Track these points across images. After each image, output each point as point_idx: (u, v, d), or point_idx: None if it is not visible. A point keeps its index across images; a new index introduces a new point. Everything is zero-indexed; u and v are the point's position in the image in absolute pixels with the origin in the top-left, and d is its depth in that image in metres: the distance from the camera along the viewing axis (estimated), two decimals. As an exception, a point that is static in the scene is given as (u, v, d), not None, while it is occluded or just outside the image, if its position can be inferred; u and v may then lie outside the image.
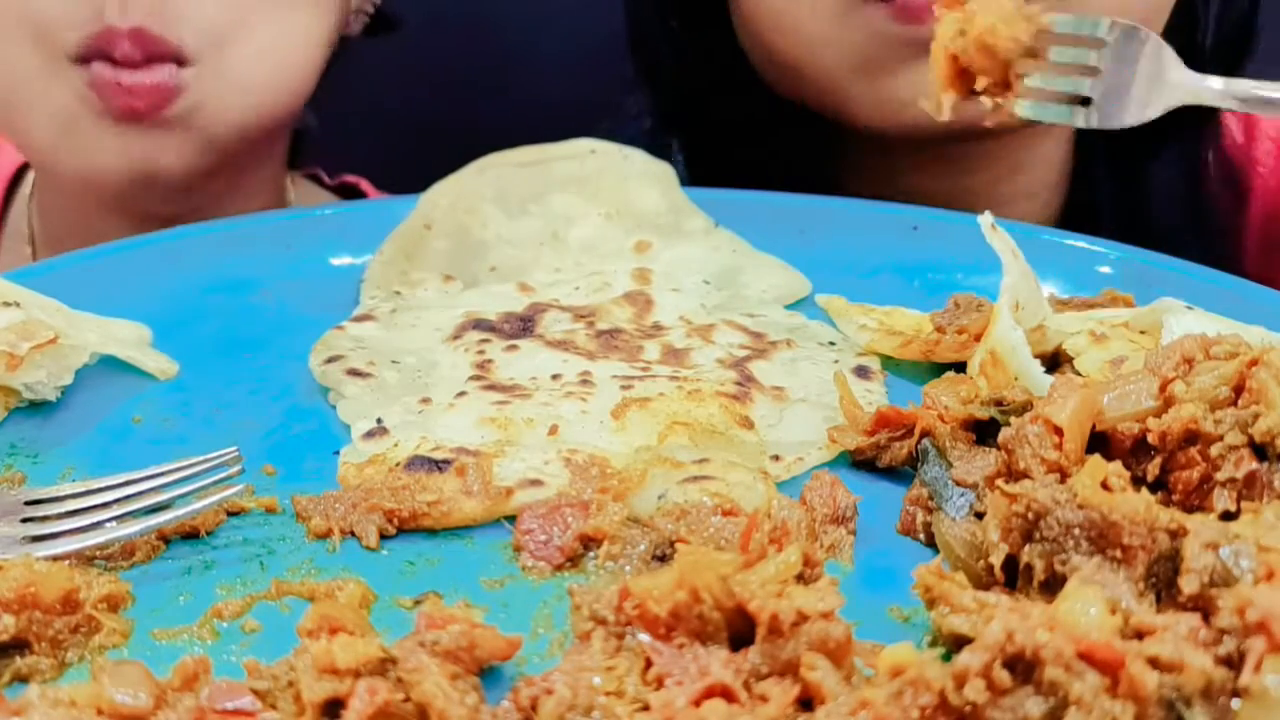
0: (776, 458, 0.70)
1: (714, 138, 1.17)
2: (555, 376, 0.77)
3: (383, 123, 1.47)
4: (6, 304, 0.74)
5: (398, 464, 0.68)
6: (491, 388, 0.76)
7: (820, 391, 0.76)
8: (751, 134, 1.15)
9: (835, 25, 0.98)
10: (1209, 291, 0.83)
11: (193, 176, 1.05)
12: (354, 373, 0.77)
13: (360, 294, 0.89)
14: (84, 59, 0.97)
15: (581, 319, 0.84)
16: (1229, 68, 1.12)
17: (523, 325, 0.83)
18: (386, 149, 1.37)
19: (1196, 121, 1.14)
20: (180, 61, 0.98)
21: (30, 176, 1.23)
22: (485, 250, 0.92)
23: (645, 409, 0.72)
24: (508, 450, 0.69)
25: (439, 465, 0.67)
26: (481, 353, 0.80)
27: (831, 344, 0.82)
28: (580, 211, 0.95)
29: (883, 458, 0.70)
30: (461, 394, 0.75)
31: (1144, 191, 1.08)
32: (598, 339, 0.81)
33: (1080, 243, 0.90)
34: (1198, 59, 1.08)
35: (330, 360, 0.78)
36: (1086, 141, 1.16)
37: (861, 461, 0.70)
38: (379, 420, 0.73)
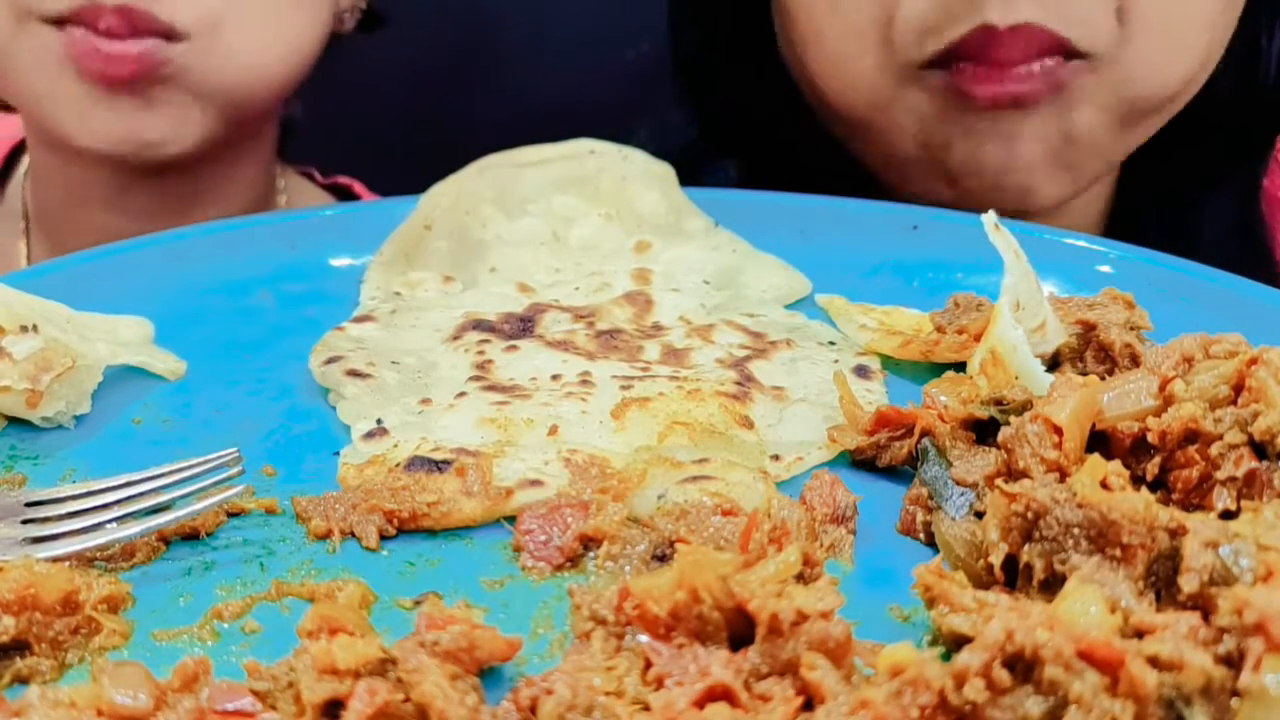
0: (776, 457, 0.70)
1: (769, 158, 1.16)
2: (555, 377, 0.77)
3: (382, 123, 1.47)
4: (25, 328, 0.74)
5: (398, 465, 0.68)
6: (491, 388, 0.76)
7: (820, 391, 0.76)
8: (806, 152, 1.14)
9: (890, 91, 0.98)
10: (1209, 291, 0.83)
11: (183, 153, 1.05)
12: (354, 373, 0.77)
13: (360, 295, 0.89)
14: (59, 22, 0.98)
15: (581, 319, 0.84)
16: None
17: (522, 325, 0.83)
18: (385, 149, 1.37)
19: (1248, 161, 1.13)
20: (170, 36, 0.99)
21: (25, 159, 1.24)
22: (485, 251, 0.92)
23: (645, 409, 0.72)
24: (508, 450, 0.69)
25: (439, 466, 0.67)
26: (481, 353, 0.80)
27: (831, 344, 0.82)
28: (580, 212, 0.95)
29: (882, 457, 0.70)
30: (461, 394, 0.75)
31: (1193, 233, 1.06)
32: (598, 339, 0.81)
33: (1080, 242, 0.90)
34: (1258, 95, 1.08)
35: (330, 361, 0.78)
36: (1131, 185, 1.14)
37: (861, 461, 0.70)
38: (379, 421, 0.73)
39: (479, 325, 0.83)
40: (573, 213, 0.95)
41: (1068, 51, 0.93)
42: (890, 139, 1.02)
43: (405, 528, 0.65)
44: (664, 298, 0.87)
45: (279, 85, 1.09)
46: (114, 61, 0.97)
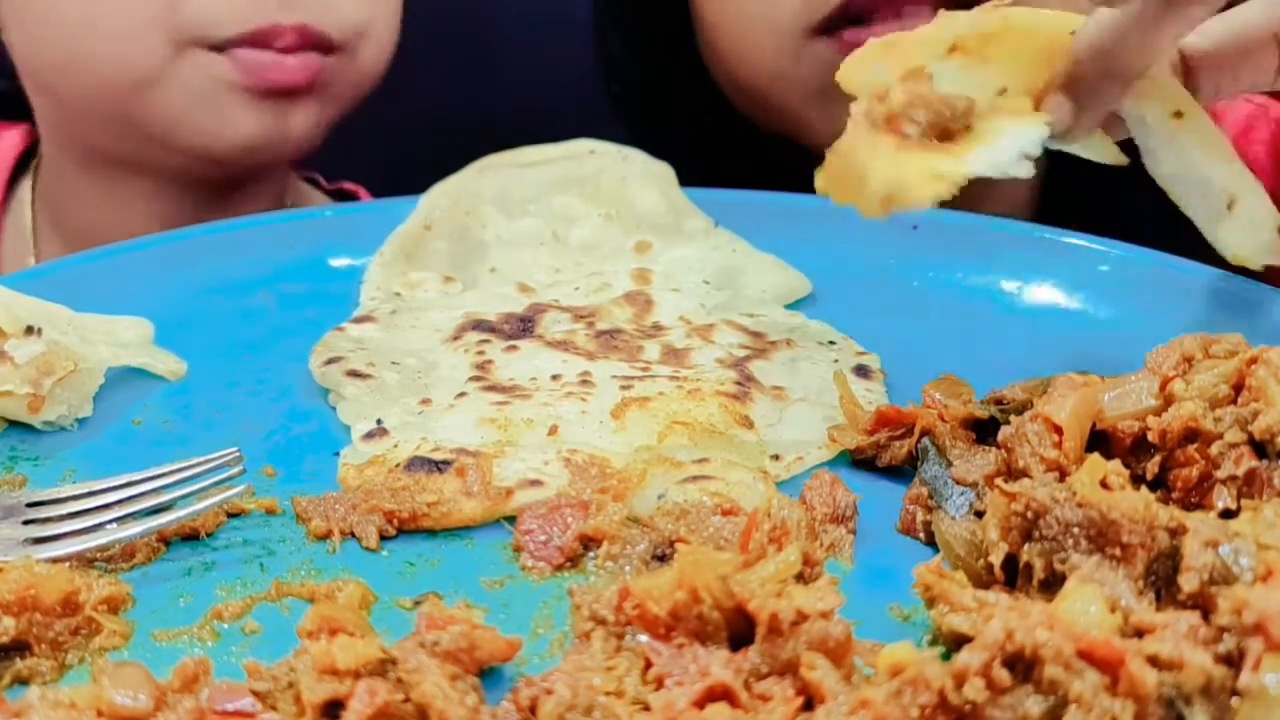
0: (776, 457, 0.70)
1: (700, 161, 1.18)
2: (555, 377, 0.77)
3: (382, 123, 1.47)
4: (29, 330, 0.74)
5: (397, 465, 0.68)
6: (491, 388, 0.76)
7: (820, 391, 0.76)
8: (733, 152, 1.16)
9: (789, 59, 1.02)
10: (1209, 290, 0.82)
11: (302, 151, 1.11)
12: (354, 374, 0.77)
13: (360, 295, 0.89)
14: (221, 47, 1.01)
15: (581, 319, 0.84)
16: None
17: (522, 326, 0.83)
18: (386, 150, 1.37)
19: None
20: (329, 50, 1.04)
21: (33, 165, 1.24)
22: (485, 251, 0.92)
23: (645, 409, 0.72)
24: (507, 451, 0.69)
25: (439, 466, 0.67)
26: (481, 353, 0.80)
27: (831, 343, 0.82)
28: (580, 212, 0.95)
29: (882, 457, 0.70)
30: (461, 394, 0.75)
31: (1124, 215, 1.07)
32: (597, 339, 0.81)
33: (1080, 241, 0.90)
34: None
35: (330, 361, 0.78)
36: (1060, 166, 1.14)
37: (861, 461, 0.70)
38: (379, 421, 0.73)
39: (479, 325, 0.83)
40: (573, 213, 0.95)
41: None
42: (792, 110, 1.06)
43: (405, 528, 0.65)
44: (664, 298, 0.87)
45: (373, 87, 1.14)
46: (289, 72, 1.02)
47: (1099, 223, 0.91)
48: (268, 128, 1.05)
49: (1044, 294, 0.86)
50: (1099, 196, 1.09)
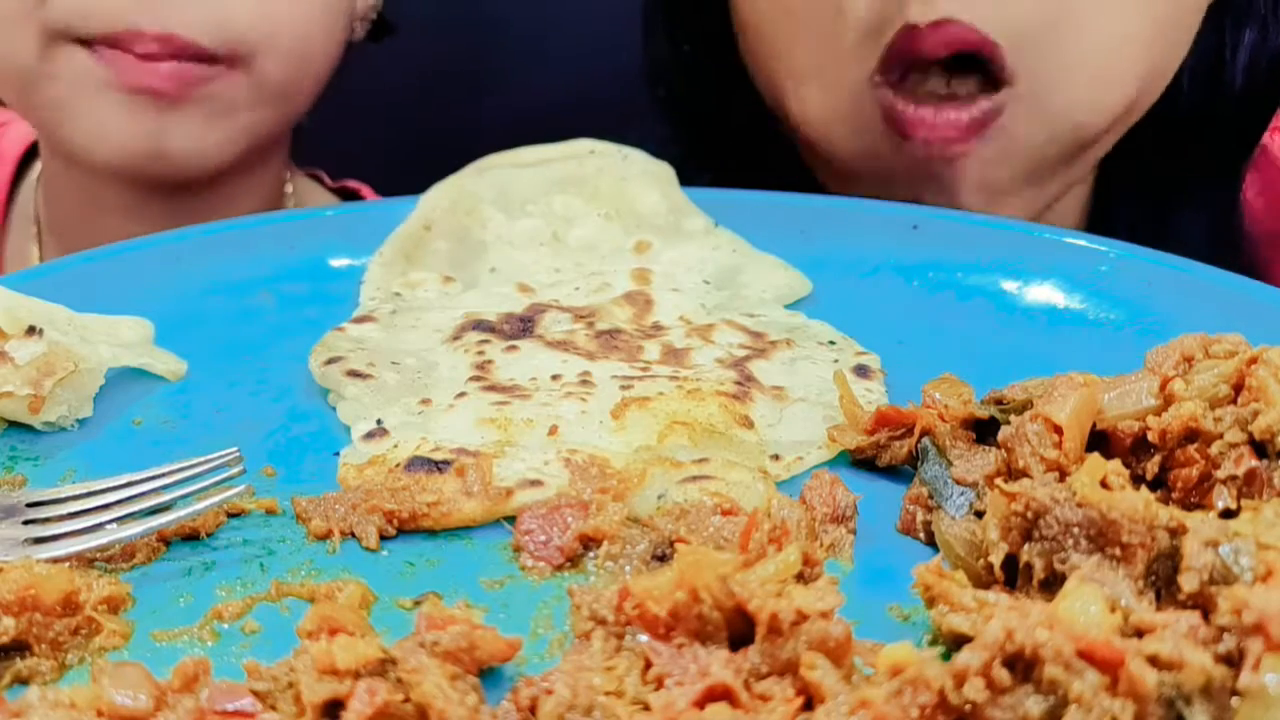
0: (776, 457, 0.70)
1: (742, 168, 1.17)
2: (555, 377, 0.77)
3: (383, 123, 1.47)
4: (31, 330, 0.74)
5: (397, 465, 0.68)
6: (491, 388, 0.76)
7: (820, 391, 0.76)
8: (774, 165, 1.15)
9: (851, 106, 0.99)
10: (1209, 290, 0.83)
11: (201, 164, 1.08)
12: (354, 374, 0.77)
13: (360, 295, 0.89)
14: (89, 44, 1.00)
15: (581, 319, 0.84)
16: (1261, 118, 1.09)
17: (522, 326, 0.83)
18: (387, 150, 1.38)
19: (1222, 171, 1.12)
20: (206, 60, 1.02)
21: (39, 163, 1.24)
22: (485, 251, 0.92)
23: (645, 409, 0.72)
24: (507, 451, 0.69)
25: (439, 466, 0.67)
26: (481, 353, 0.80)
27: (831, 343, 0.82)
28: (580, 212, 0.95)
29: (882, 457, 0.70)
30: (461, 395, 0.75)
31: (1169, 241, 1.07)
32: (597, 339, 0.81)
33: (1081, 241, 0.90)
34: (1225, 107, 1.07)
35: (330, 361, 0.78)
36: (1108, 189, 1.14)
37: (861, 461, 0.70)
38: (379, 421, 0.73)
39: (479, 325, 0.83)
40: (572, 213, 0.95)
41: (991, 71, 0.93)
42: (843, 160, 1.04)
43: (405, 528, 0.65)
44: (664, 297, 0.87)
45: (306, 105, 1.13)
46: (154, 75, 1.00)
47: (1148, 241, 0.91)
48: (141, 135, 1.03)
49: (1044, 294, 0.86)
50: (1149, 215, 1.09)
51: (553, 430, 0.71)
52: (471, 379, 0.77)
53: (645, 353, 0.80)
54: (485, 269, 0.91)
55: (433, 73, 1.45)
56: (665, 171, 0.97)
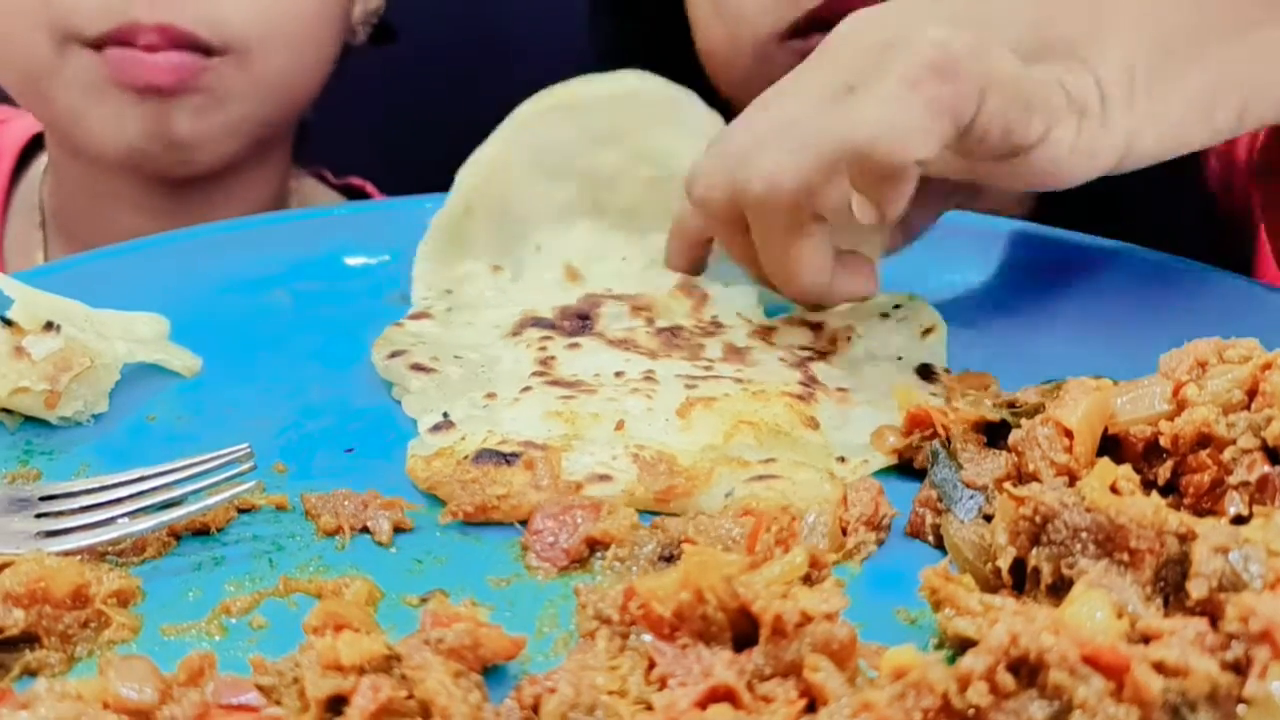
0: (843, 459, 0.69)
1: None
2: (618, 374, 0.76)
3: (383, 123, 1.48)
4: (49, 326, 0.74)
5: (465, 457, 0.68)
6: (555, 383, 0.75)
7: (885, 394, 0.74)
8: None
9: (759, 61, 1.02)
10: (1209, 290, 0.82)
11: (209, 168, 1.11)
12: (418, 367, 0.77)
13: (410, 291, 0.87)
14: (98, 46, 1.03)
15: (639, 312, 0.83)
16: None
17: (581, 323, 0.82)
18: (387, 149, 1.38)
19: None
20: (206, 52, 1.05)
21: (42, 157, 1.26)
22: (526, 228, 0.89)
23: (710, 408, 0.71)
24: (575, 444, 0.69)
25: (507, 459, 0.67)
26: (543, 349, 0.79)
27: (897, 308, 0.82)
28: (621, 171, 0.90)
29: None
30: (526, 389, 0.74)
31: (1128, 216, 1.05)
32: (658, 336, 0.80)
33: (1088, 242, 0.89)
34: None
35: (393, 355, 0.78)
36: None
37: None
38: (445, 414, 0.72)
39: (538, 323, 0.82)
40: (613, 171, 0.90)
41: None
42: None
43: (473, 520, 0.65)
44: (716, 291, 0.85)
45: (304, 103, 1.16)
46: (155, 71, 1.03)
47: (1095, 223, 0.90)
48: (148, 128, 1.06)
49: (1051, 295, 0.85)
50: (1097, 196, 1.07)
51: (619, 425, 0.70)
52: (535, 374, 0.76)
53: (707, 350, 0.79)
54: (530, 248, 0.89)
55: (433, 72, 1.45)
56: (716, 122, 0.90)
